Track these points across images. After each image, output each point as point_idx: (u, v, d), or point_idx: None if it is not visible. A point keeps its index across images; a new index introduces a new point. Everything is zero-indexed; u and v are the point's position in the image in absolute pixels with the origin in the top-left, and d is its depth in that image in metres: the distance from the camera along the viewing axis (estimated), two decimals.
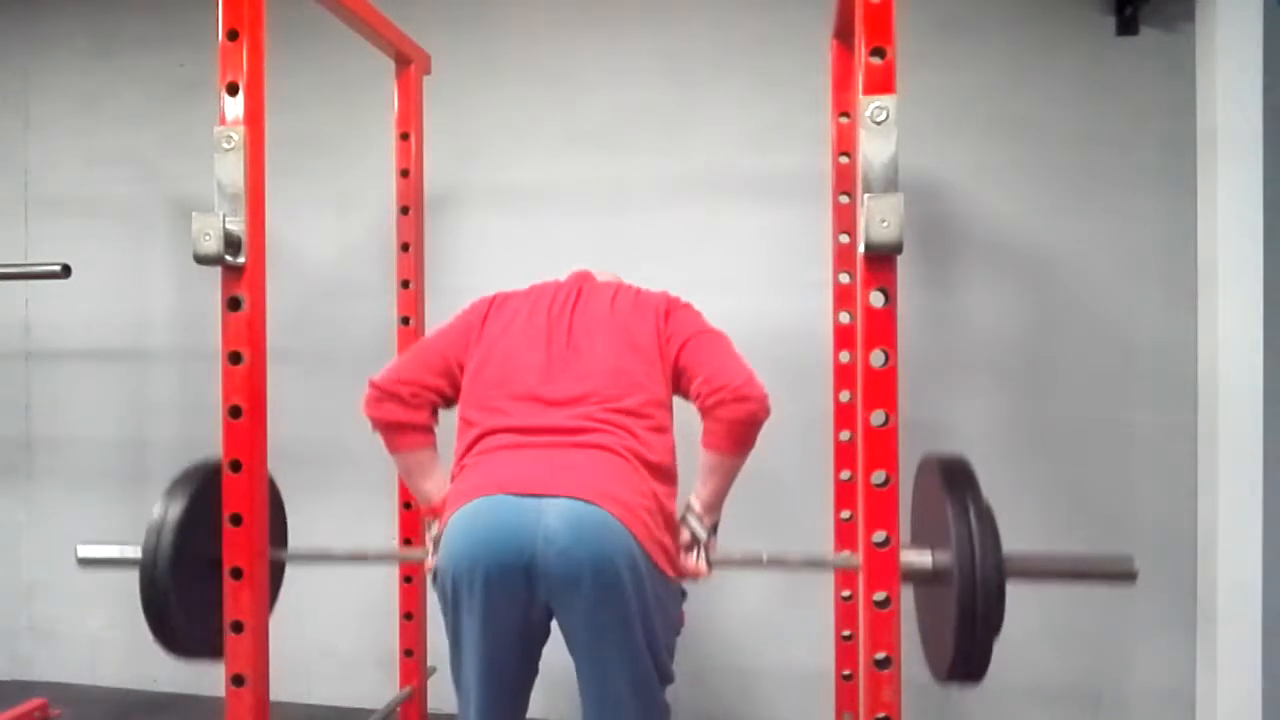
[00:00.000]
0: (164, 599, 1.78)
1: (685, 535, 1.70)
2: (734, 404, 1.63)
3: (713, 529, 1.74)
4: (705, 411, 1.66)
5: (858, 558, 1.57)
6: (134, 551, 1.82)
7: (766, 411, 1.64)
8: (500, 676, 1.60)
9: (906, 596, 1.67)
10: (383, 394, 1.74)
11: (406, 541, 2.47)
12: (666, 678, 1.64)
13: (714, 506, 1.73)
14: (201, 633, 1.80)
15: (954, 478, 1.66)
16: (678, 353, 1.73)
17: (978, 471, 1.70)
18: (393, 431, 1.75)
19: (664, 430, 1.69)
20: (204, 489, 1.83)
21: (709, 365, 1.69)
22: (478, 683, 1.59)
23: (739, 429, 1.65)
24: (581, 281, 1.89)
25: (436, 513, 1.74)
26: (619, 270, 2.10)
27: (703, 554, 1.70)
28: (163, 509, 1.82)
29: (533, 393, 1.68)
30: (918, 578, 1.70)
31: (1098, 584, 1.74)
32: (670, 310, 1.80)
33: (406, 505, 2.46)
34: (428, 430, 1.77)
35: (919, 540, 1.77)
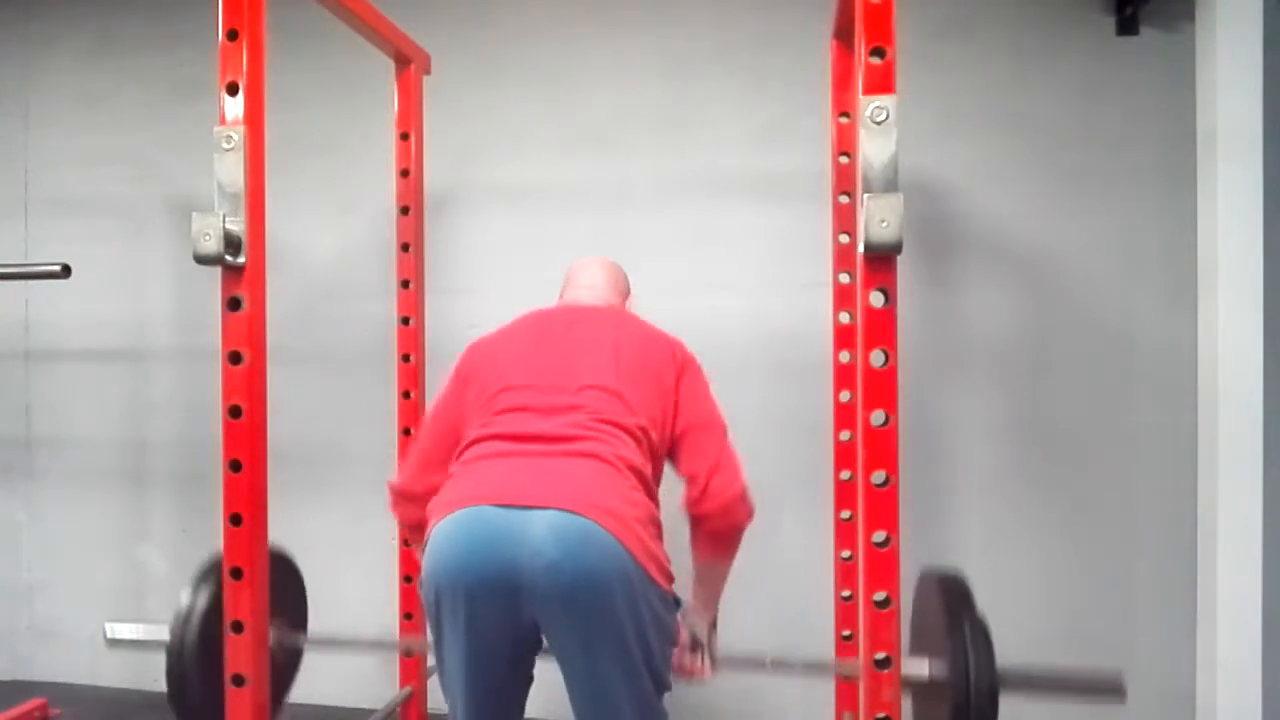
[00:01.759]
0: (189, 682, 1.82)
1: (686, 637, 1.70)
2: (719, 518, 1.63)
3: (712, 626, 1.75)
4: (692, 520, 1.66)
5: (858, 665, 1.58)
6: (162, 633, 1.86)
7: (749, 519, 1.65)
8: (487, 689, 1.55)
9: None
10: (400, 497, 1.76)
11: (405, 543, 2.47)
12: (663, 687, 1.59)
13: (711, 605, 1.75)
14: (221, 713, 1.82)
15: (950, 596, 1.70)
16: (679, 432, 1.69)
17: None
18: (416, 530, 1.70)
19: (654, 457, 1.65)
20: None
21: (703, 469, 1.64)
22: (464, 695, 1.55)
23: (723, 539, 1.66)
24: (575, 307, 1.88)
25: None
26: (618, 262, 2.08)
27: (705, 654, 1.72)
28: (191, 597, 1.85)
29: (524, 403, 1.63)
30: (918, 687, 1.72)
31: (1087, 700, 1.78)
32: (684, 371, 1.74)
33: None
34: None
35: (919, 651, 1.78)
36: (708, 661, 1.71)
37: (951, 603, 1.68)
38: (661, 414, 1.67)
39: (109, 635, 1.98)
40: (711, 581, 1.72)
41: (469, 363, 1.79)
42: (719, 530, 1.64)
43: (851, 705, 2.34)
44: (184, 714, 1.84)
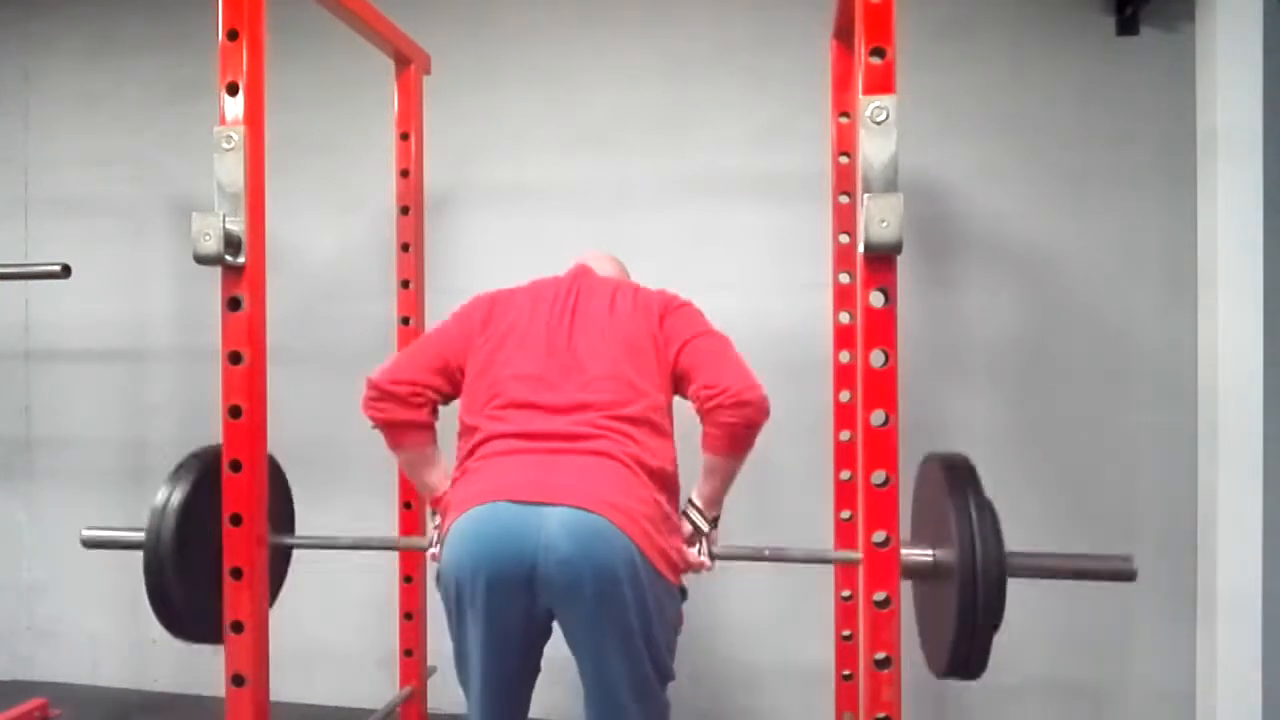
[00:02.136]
0: (166, 581, 1.80)
1: (687, 528, 1.71)
2: (732, 409, 1.63)
3: (714, 522, 1.76)
4: (704, 415, 1.67)
5: (858, 553, 1.58)
6: (137, 534, 1.85)
7: (765, 415, 1.65)
8: (503, 677, 1.63)
9: (906, 594, 1.67)
10: (381, 393, 1.73)
11: (407, 505, 2.47)
12: (667, 676, 1.65)
13: (715, 502, 1.75)
14: (203, 615, 1.82)
15: (956, 475, 1.67)
16: (677, 355, 1.73)
17: (978, 471, 1.70)
18: (393, 430, 1.75)
19: (665, 435, 1.70)
20: (205, 475, 1.84)
21: (707, 368, 1.69)
22: (481, 684, 1.61)
23: (737, 432, 1.65)
24: (580, 278, 1.87)
25: (439, 501, 1.77)
26: (620, 261, 2.09)
27: (704, 546, 1.72)
28: (164, 494, 1.84)
29: (533, 400, 1.67)
30: (918, 574, 1.70)
31: (1098, 581, 1.74)
32: (667, 311, 1.79)
33: (407, 505, 2.46)
34: (428, 428, 1.77)
35: (920, 539, 1.77)
36: (705, 553, 1.71)
37: (955, 484, 1.64)
38: (659, 368, 1.72)
39: (84, 536, 1.95)
40: (719, 477, 1.71)
41: (480, 313, 1.82)
42: (733, 421, 1.64)
43: (851, 705, 2.34)
44: (163, 612, 1.83)
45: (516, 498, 1.54)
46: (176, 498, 1.83)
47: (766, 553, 1.85)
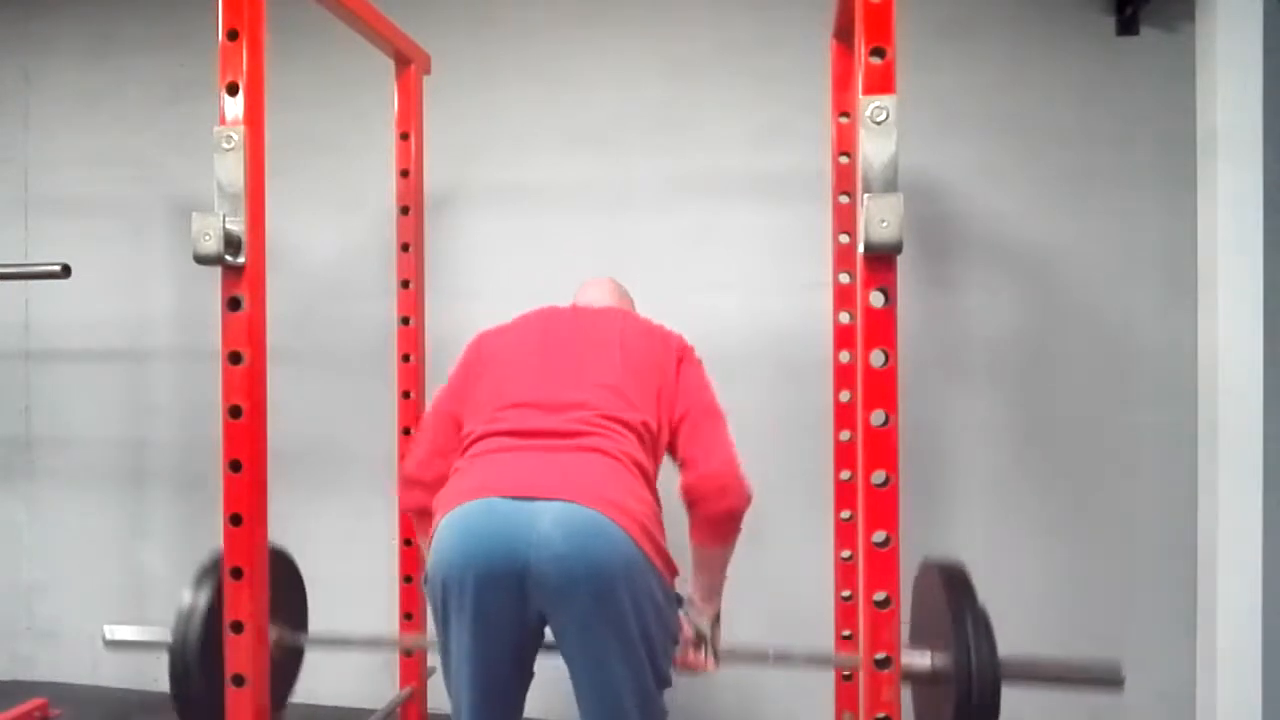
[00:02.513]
0: (191, 682, 1.81)
1: (689, 630, 1.71)
2: (716, 500, 1.64)
3: (715, 619, 1.76)
4: (688, 505, 1.67)
5: (857, 658, 1.58)
6: (164, 634, 1.85)
7: (746, 504, 1.66)
8: (492, 682, 1.56)
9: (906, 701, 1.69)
10: (410, 484, 1.76)
11: (407, 542, 2.47)
12: (664, 682, 1.61)
13: (713, 595, 1.75)
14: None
15: (952, 585, 1.70)
16: (677, 419, 1.71)
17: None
18: (422, 517, 1.71)
19: (654, 452, 1.67)
20: None
21: (699, 453, 1.67)
22: (469, 689, 1.56)
23: (720, 525, 1.66)
24: (580, 307, 1.91)
25: None
26: (619, 271, 2.10)
27: (708, 649, 1.72)
28: (191, 597, 1.85)
29: (529, 400, 1.65)
30: (918, 678, 1.72)
31: (1086, 687, 1.81)
32: (684, 358, 1.77)
33: None
34: None
35: (919, 641, 1.78)
36: (711, 655, 1.71)
37: (953, 593, 1.67)
38: (660, 407, 1.70)
39: (107, 637, 1.98)
40: (711, 570, 1.72)
41: (477, 353, 1.82)
42: (716, 513, 1.65)
43: (851, 705, 2.34)
44: (187, 715, 1.84)
45: (508, 493, 1.49)
46: (202, 602, 1.83)
47: (771, 654, 1.88)
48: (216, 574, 1.85)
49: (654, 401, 1.69)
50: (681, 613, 1.69)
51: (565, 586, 1.45)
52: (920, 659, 1.70)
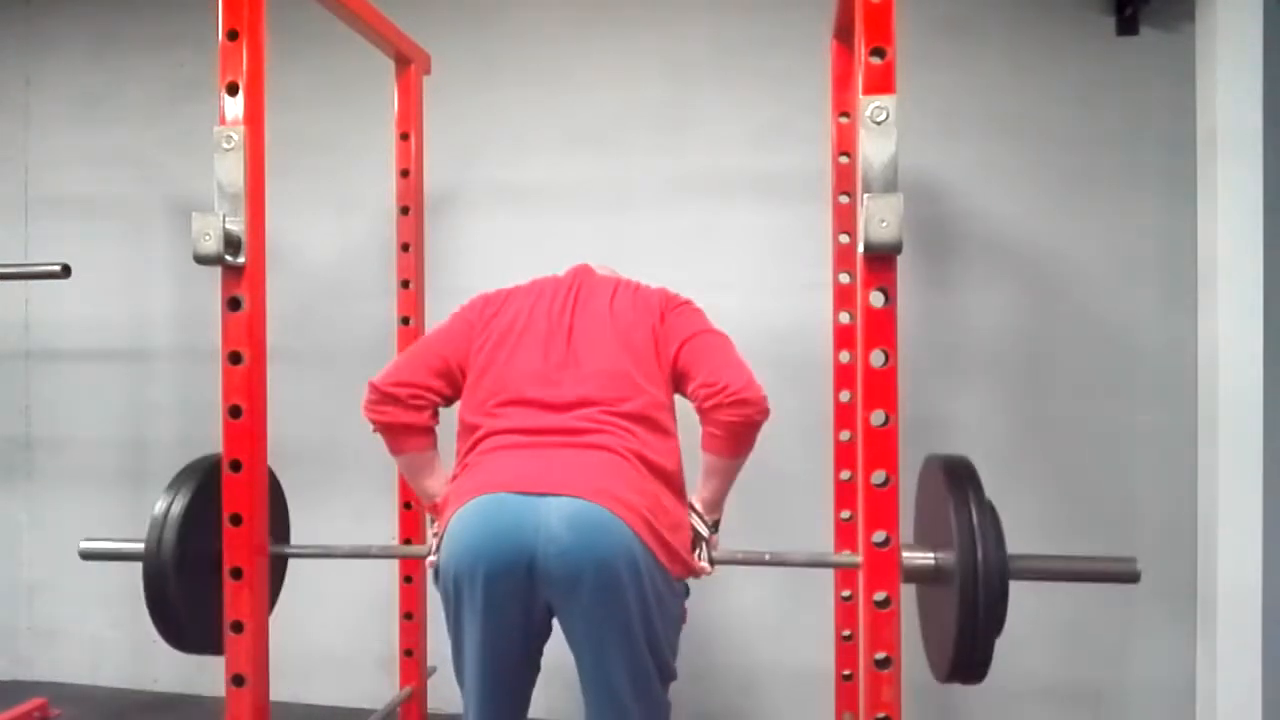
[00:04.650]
0: (167, 592, 1.79)
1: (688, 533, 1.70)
2: (731, 408, 1.63)
3: (714, 526, 1.76)
4: (703, 415, 1.67)
5: (858, 556, 1.58)
6: (136, 545, 1.84)
7: (764, 414, 1.65)
8: (501, 674, 1.60)
9: (908, 597, 1.67)
10: (382, 396, 1.72)
11: (407, 541, 2.47)
12: (669, 675, 1.64)
13: (715, 505, 1.75)
14: (204, 626, 1.81)
15: (957, 477, 1.66)
16: (676, 353, 1.73)
17: (976, 468, 1.70)
18: (394, 434, 1.74)
19: (667, 433, 1.69)
20: (205, 484, 1.84)
21: (707, 367, 1.69)
22: (478, 681, 1.59)
23: (737, 432, 1.65)
24: (580, 277, 1.87)
25: (439, 509, 1.74)
26: (619, 271, 2.09)
27: (705, 551, 1.71)
28: (165, 503, 1.84)
29: (534, 397, 1.67)
30: (920, 577, 1.70)
31: (1101, 582, 1.73)
32: (667, 309, 1.79)
33: (407, 505, 2.46)
34: (429, 431, 1.76)
35: (922, 541, 1.77)
36: (705, 557, 1.70)
37: (956, 486, 1.63)
38: (659, 366, 1.71)
39: (82, 549, 1.95)
40: (719, 478, 1.72)
41: (479, 313, 1.82)
42: (732, 420, 1.64)
43: (851, 705, 2.34)
44: (164, 623, 1.82)
45: (516, 489, 1.52)
46: (176, 507, 1.83)
47: (767, 557, 1.84)
48: (189, 480, 1.86)
49: (653, 368, 1.71)
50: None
51: (570, 579, 1.48)
52: (923, 558, 1.68)
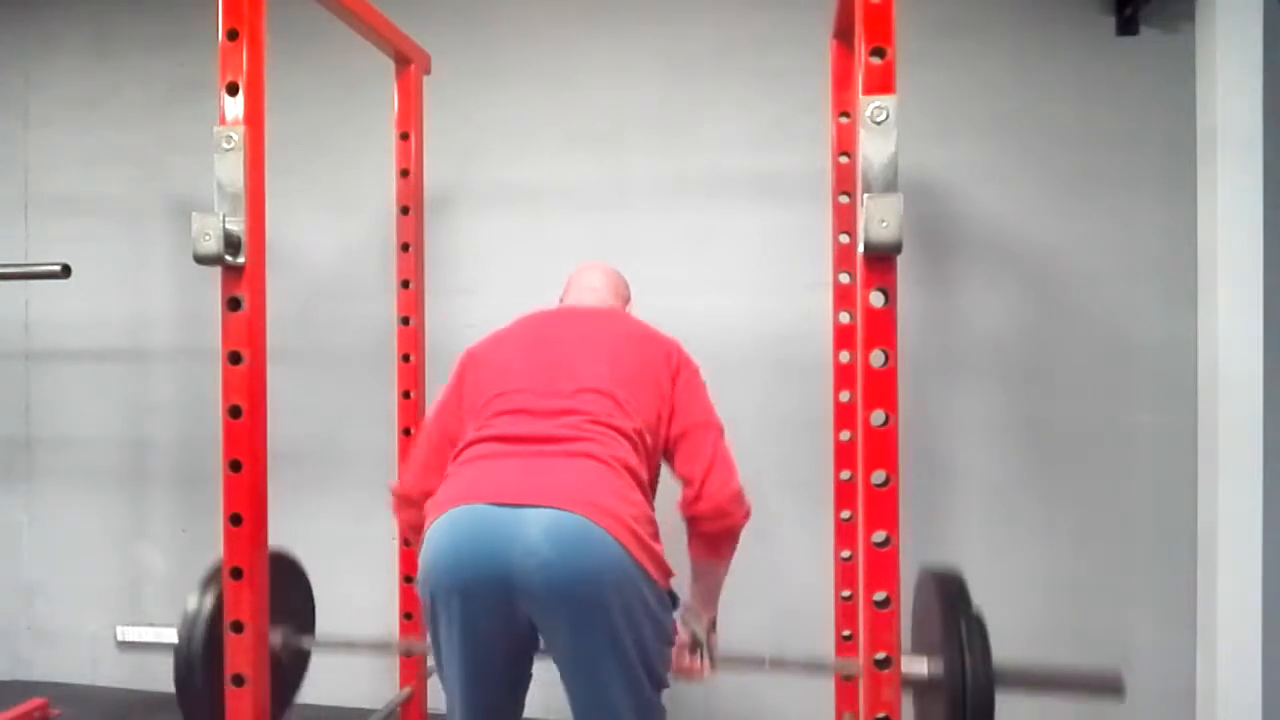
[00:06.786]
0: (194, 683, 1.83)
1: (685, 636, 1.70)
2: (715, 519, 1.63)
3: (711, 626, 1.75)
4: (688, 521, 1.66)
5: (857, 664, 1.58)
6: (169, 635, 1.88)
7: (744, 521, 1.66)
8: (484, 688, 1.55)
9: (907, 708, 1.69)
10: (401, 502, 1.76)
11: (406, 543, 2.47)
12: (660, 685, 1.60)
13: (710, 602, 1.75)
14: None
15: (947, 594, 1.69)
16: (675, 434, 1.69)
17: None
18: (416, 533, 1.69)
19: (649, 458, 1.66)
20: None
21: (697, 472, 1.65)
22: (461, 695, 1.55)
23: (718, 541, 1.67)
24: (573, 309, 1.90)
25: None
26: (620, 270, 2.09)
27: (705, 652, 1.72)
28: (198, 600, 1.88)
29: (518, 406, 1.64)
30: (917, 685, 1.71)
31: (1086, 694, 1.78)
32: (682, 367, 1.75)
33: None
34: None
35: (920, 648, 1.78)
36: (707, 660, 1.71)
37: (947, 600, 1.68)
38: (657, 416, 1.68)
39: (119, 638, 2.00)
40: (709, 581, 1.72)
41: (467, 366, 1.80)
42: (715, 531, 1.65)
43: (851, 705, 2.34)
44: (192, 717, 1.86)
45: (496, 499, 1.47)
46: (208, 605, 1.86)
47: (767, 662, 1.88)
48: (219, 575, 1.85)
49: (650, 410, 1.67)
50: (677, 617, 1.68)
51: (553, 595, 1.42)
52: (918, 665, 1.70)
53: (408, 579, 2.51)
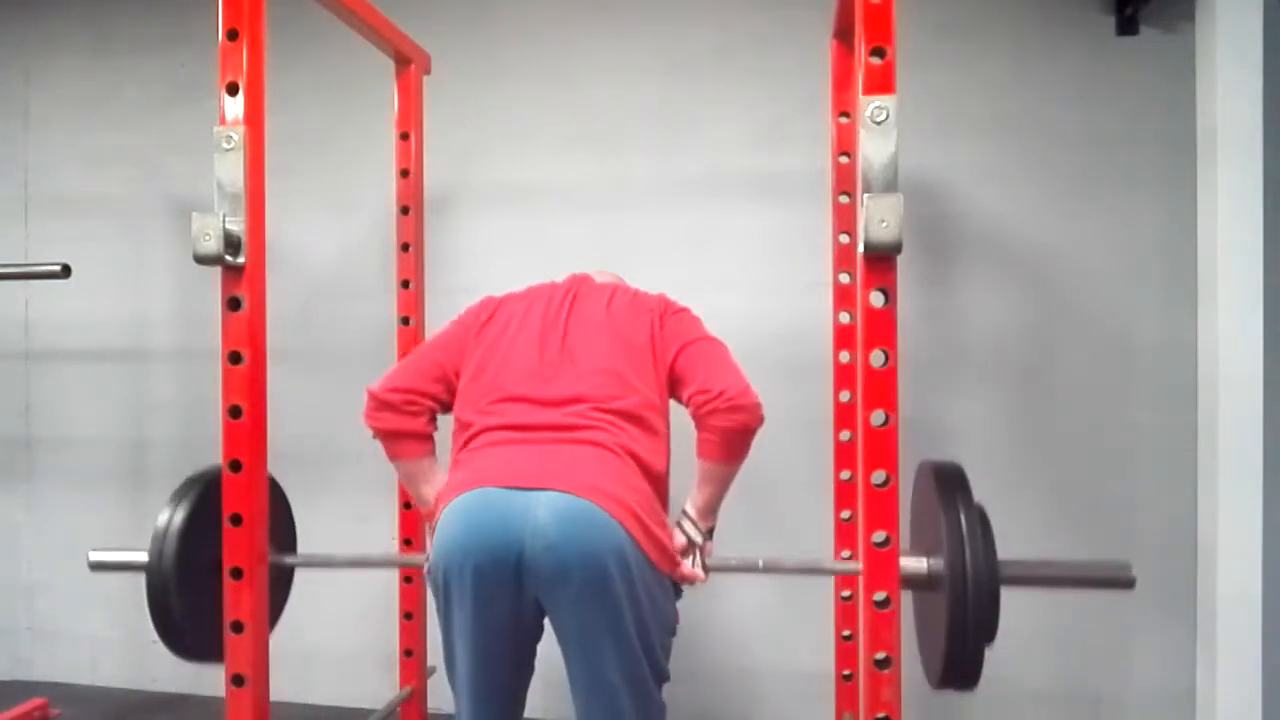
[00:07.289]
0: (169, 602, 1.81)
1: (681, 539, 1.69)
2: (726, 414, 1.63)
3: (708, 533, 1.74)
4: (698, 420, 1.67)
5: (856, 563, 1.57)
6: (140, 556, 1.85)
7: (759, 420, 1.65)
8: (492, 672, 1.59)
9: (906, 601, 1.67)
10: (380, 403, 1.74)
11: (407, 541, 2.47)
12: (662, 676, 1.62)
13: (709, 512, 1.73)
14: (206, 634, 1.81)
15: (947, 484, 1.66)
16: (674, 359, 1.73)
17: (978, 470, 1.70)
18: (392, 440, 1.75)
19: (658, 435, 1.69)
20: (207, 494, 1.84)
21: (703, 373, 1.69)
22: (469, 678, 1.59)
23: (731, 438, 1.65)
24: (578, 284, 1.88)
25: (434, 516, 1.74)
26: (619, 270, 2.10)
27: (699, 558, 1.70)
28: (167, 515, 1.86)
29: (527, 394, 1.68)
30: (915, 583, 1.70)
31: (1095, 588, 1.71)
32: (666, 314, 1.80)
33: (407, 505, 2.45)
34: (426, 438, 1.77)
35: (918, 546, 1.77)
36: (699, 565, 1.69)
37: (947, 493, 1.62)
38: (655, 371, 1.72)
39: (91, 559, 1.98)
40: (714, 487, 1.71)
41: (477, 317, 1.83)
42: (728, 426, 1.64)
43: (851, 705, 2.34)
44: (166, 633, 1.84)
45: (506, 484, 1.53)
46: (178, 518, 1.85)
47: (761, 564, 1.81)
48: (191, 491, 1.88)
49: (649, 371, 1.71)
50: (675, 523, 1.70)
51: (558, 575, 1.48)
52: (917, 564, 1.67)
53: (408, 579, 2.51)
